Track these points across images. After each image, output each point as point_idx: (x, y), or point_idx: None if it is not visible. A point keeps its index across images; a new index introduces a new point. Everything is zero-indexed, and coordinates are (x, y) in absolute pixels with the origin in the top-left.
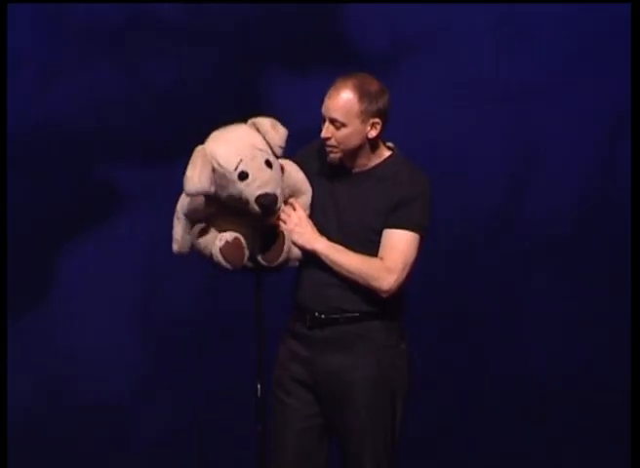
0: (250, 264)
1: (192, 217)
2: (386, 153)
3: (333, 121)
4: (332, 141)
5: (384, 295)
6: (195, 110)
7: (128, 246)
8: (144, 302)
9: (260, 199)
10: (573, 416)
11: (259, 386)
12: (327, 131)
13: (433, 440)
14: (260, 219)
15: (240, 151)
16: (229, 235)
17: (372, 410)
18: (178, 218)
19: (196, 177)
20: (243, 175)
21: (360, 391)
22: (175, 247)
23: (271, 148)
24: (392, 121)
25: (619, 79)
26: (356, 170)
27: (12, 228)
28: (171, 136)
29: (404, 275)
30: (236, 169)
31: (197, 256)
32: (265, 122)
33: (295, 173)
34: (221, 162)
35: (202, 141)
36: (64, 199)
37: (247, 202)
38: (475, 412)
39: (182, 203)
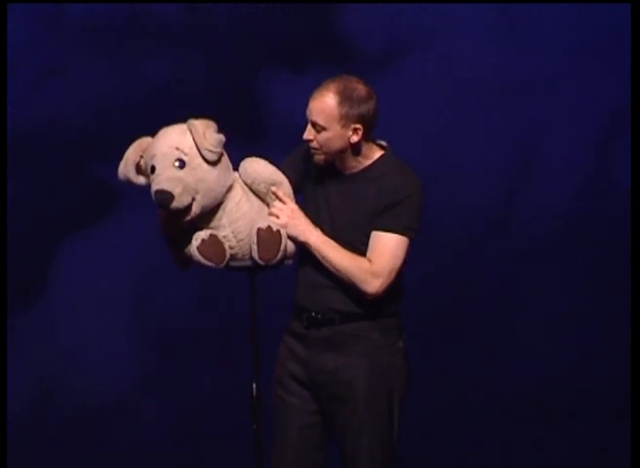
0: (246, 263)
1: (171, 230)
2: (377, 154)
3: (314, 124)
4: (314, 144)
5: (369, 298)
6: (193, 110)
7: (125, 245)
8: (141, 302)
9: (156, 194)
10: (572, 416)
11: (254, 386)
12: (309, 133)
13: (432, 439)
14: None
15: (158, 147)
16: (204, 233)
17: (369, 410)
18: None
19: (122, 163)
20: (152, 169)
21: (358, 390)
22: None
23: (199, 151)
24: (389, 120)
25: (618, 79)
26: (347, 172)
27: (9, 227)
28: None
29: (390, 279)
30: (149, 163)
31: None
32: (198, 125)
33: (262, 167)
34: (144, 155)
35: None
36: (62, 198)
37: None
38: (473, 412)
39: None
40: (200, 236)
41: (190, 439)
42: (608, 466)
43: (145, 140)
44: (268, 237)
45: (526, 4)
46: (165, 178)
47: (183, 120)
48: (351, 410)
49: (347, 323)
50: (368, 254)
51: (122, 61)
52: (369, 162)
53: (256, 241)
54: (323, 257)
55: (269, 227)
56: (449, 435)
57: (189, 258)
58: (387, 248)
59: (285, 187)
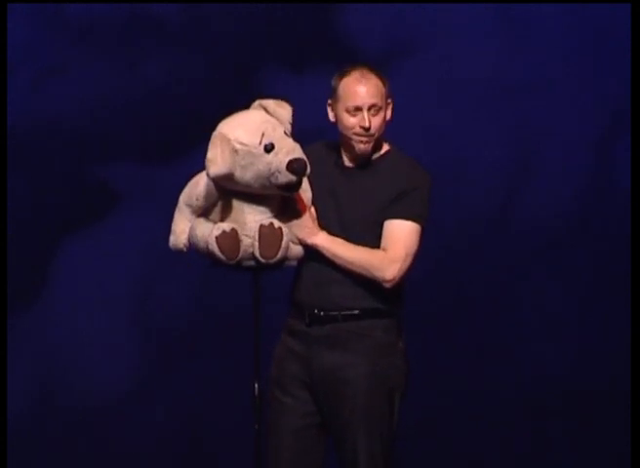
0: (248, 263)
1: (197, 206)
2: (385, 147)
3: (372, 107)
4: (372, 131)
5: (387, 285)
6: (193, 109)
7: (125, 245)
8: (142, 301)
9: (291, 165)
10: (572, 416)
11: (256, 385)
12: (368, 120)
13: (432, 439)
14: (279, 200)
15: (259, 126)
16: (227, 225)
17: (369, 409)
18: (179, 210)
19: (219, 158)
20: (269, 147)
21: (357, 389)
22: (171, 239)
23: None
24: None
25: (618, 79)
26: (355, 165)
27: (9, 227)
28: (168, 135)
29: (407, 265)
30: (261, 143)
31: (194, 255)
32: (270, 102)
33: None
34: (244, 140)
35: (200, 140)
36: (62, 198)
37: (277, 172)
38: (473, 412)
39: (186, 193)
40: (222, 227)
41: (190, 439)
42: (608, 466)
43: (221, 133)
44: (270, 234)
45: (526, 4)
46: (292, 148)
47: (183, 119)
48: (351, 409)
49: (351, 321)
50: (382, 242)
51: (122, 61)
52: (377, 154)
53: (257, 237)
54: (334, 255)
55: (271, 224)
56: (449, 435)
57: (195, 241)
58: (402, 234)
59: (308, 194)
